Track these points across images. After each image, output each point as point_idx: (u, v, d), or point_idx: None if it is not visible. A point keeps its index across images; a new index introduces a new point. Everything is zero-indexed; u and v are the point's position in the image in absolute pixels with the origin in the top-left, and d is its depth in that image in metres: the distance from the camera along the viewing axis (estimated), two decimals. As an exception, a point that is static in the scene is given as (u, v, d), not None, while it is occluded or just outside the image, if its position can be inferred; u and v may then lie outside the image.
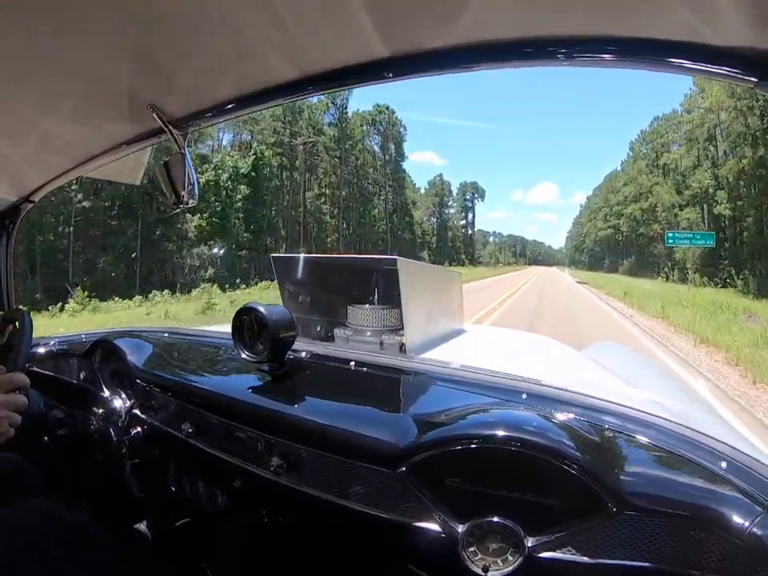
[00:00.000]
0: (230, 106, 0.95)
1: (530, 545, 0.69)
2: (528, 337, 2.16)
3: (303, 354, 1.16)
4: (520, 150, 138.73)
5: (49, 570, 0.91)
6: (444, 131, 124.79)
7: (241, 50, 0.79)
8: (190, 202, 1.00)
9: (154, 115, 0.95)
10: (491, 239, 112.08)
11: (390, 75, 0.77)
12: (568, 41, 0.65)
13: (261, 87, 0.89)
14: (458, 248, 73.79)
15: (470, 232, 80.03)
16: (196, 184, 1.00)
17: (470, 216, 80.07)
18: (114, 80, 0.88)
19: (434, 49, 0.72)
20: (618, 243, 58.40)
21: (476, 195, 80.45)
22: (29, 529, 0.95)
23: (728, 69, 0.59)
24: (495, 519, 0.71)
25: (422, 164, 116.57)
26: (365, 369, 1.09)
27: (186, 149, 1.00)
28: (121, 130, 1.09)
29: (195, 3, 0.67)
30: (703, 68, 0.60)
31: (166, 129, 0.98)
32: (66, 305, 16.67)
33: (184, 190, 0.99)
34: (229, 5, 0.67)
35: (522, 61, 0.70)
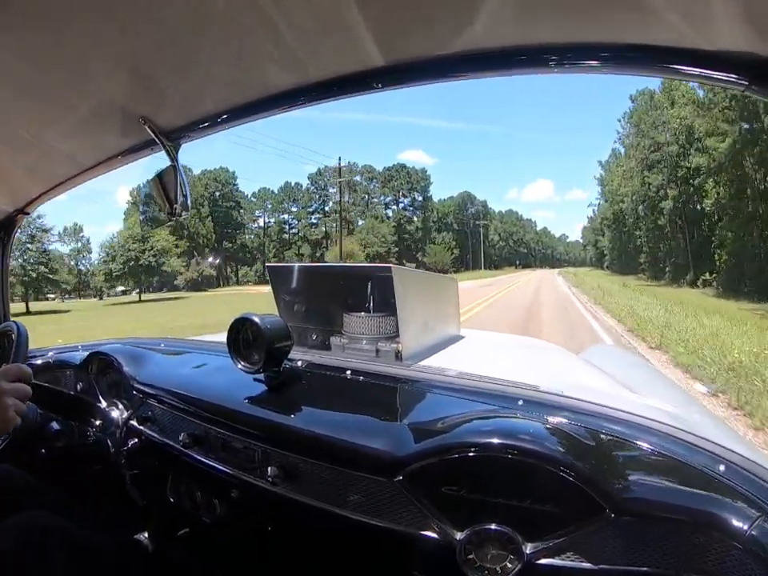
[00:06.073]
0: (222, 118, 0.95)
1: (528, 551, 0.69)
2: (525, 341, 2.16)
3: (299, 363, 1.16)
4: (511, 147, 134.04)
5: None
6: (433, 134, 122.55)
7: (237, 62, 0.79)
8: (183, 213, 1.00)
9: (146, 127, 0.96)
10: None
11: (380, 86, 0.78)
12: (561, 48, 0.66)
13: (254, 98, 0.89)
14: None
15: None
16: (189, 195, 1.00)
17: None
18: (107, 92, 0.88)
19: (431, 57, 0.73)
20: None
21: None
22: (27, 541, 0.95)
23: (719, 73, 0.60)
24: (493, 526, 0.71)
25: (413, 163, 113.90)
26: (361, 378, 1.09)
27: (178, 161, 1.00)
28: (114, 143, 1.09)
29: (191, 17, 0.67)
30: (695, 72, 0.62)
31: (158, 141, 0.98)
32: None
33: (176, 202, 0.99)
34: (226, 17, 0.67)
35: (517, 69, 0.71)
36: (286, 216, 65.88)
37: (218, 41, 0.73)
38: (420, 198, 66.58)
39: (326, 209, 64.79)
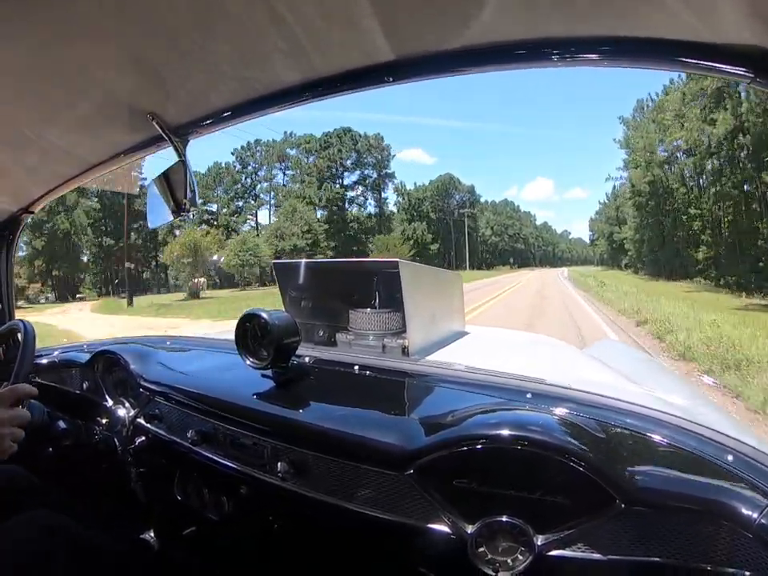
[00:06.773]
0: (230, 113, 0.96)
1: (539, 543, 0.70)
2: (531, 337, 2.16)
3: (307, 360, 1.16)
4: (510, 145, 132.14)
5: None
6: (433, 132, 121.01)
7: (245, 57, 0.79)
8: (191, 210, 1.00)
9: (154, 123, 0.96)
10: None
11: (391, 80, 0.78)
12: (568, 42, 0.66)
13: (261, 94, 0.89)
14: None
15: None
16: (197, 191, 1.00)
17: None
18: (114, 89, 0.88)
19: (440, 51, 0.73)
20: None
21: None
22: (33, 540, 0.95)
23: (725, 65, 0.60)
24: (504, 518, 0.71)
25: (411, 163, 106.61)
26: (369, 372, 1.09)
27: (186, 156, 1.00)
28: (121, 139, 1.10)
29: (199, 12, 0.67)
30: (701, 65, 0.62)
31: (165, 137, 0.98)
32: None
33: (185, 197, 0.99)
34: (234, 12, 0.67)
35: (524, 62, 0.71)
36: (214, 206, 50.15)
37: (227, 36, 0.73)
38: (374, 175, 48.79)
39: (256, 192, 49.70)
